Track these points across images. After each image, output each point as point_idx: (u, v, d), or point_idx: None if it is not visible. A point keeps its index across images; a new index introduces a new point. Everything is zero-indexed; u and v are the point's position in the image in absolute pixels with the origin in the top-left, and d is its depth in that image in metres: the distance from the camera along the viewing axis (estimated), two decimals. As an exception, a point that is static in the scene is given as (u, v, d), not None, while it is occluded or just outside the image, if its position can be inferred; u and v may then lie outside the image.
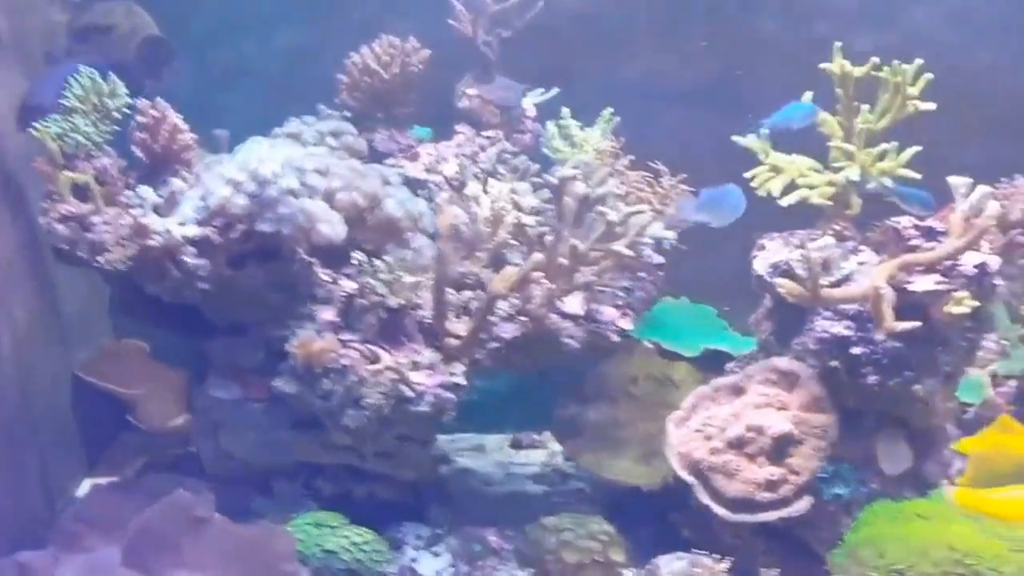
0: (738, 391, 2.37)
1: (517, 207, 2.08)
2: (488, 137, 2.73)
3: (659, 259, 2.56)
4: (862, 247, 2.26)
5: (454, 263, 2.06)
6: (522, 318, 2.10)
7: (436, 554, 2.35)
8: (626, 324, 2.34)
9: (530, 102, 2.92)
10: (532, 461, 3.01)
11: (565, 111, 2.63)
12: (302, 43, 3.21)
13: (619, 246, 2.04)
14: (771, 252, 2.29)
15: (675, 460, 2.31)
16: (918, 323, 1.97)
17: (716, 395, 2.40)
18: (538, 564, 2.27)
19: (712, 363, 2.67)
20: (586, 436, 2.61)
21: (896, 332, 1.97)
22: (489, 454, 3.35)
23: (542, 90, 2.93)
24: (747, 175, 2.29)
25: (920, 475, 2.24)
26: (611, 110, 2.61)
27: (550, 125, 2.59)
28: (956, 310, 2.06)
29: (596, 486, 2.70)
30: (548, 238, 2.12)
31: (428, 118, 2.91)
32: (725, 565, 1.97)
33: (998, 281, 2.22)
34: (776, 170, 2.27)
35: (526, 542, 2.30)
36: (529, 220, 2.05)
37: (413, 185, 2.56)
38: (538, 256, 2.00)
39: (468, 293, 2.23)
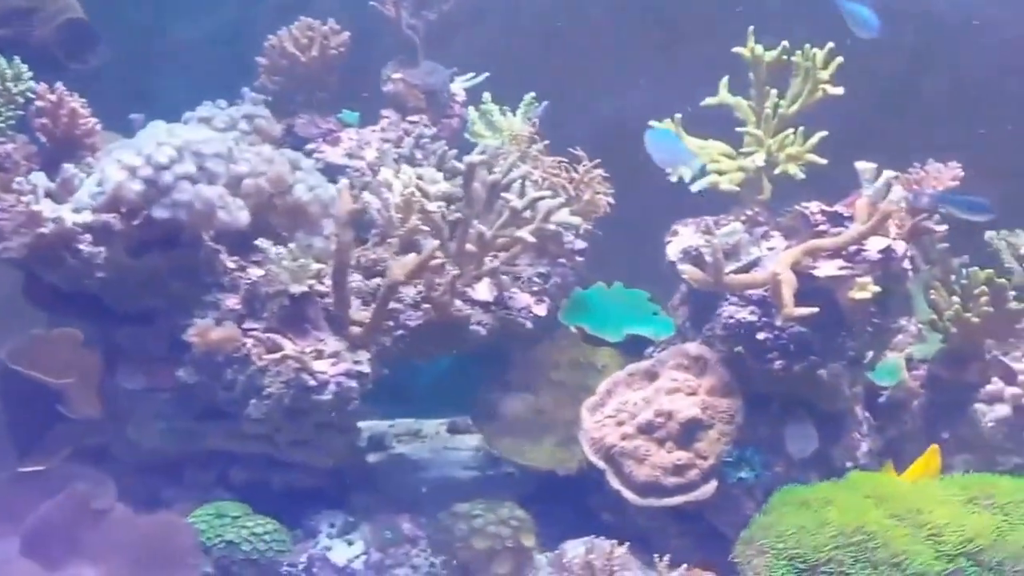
0: (652, 376, 2.39)
1: (423, 193, 2.08)
2: (413, 122, 2.72)
3: (580, 245, 2.58)
4: (773, 232, 2.28)
5: (353, 250, 2.05)
6: (426, 306, 2.10)
7: (350, 542, 2.35)
8: (540, 310, 2.35)
9: (460, 86, 2.91)
10: (466, 446, 3.02)
11: (486, 96, 2.62)
12: (232, 26, 3.19)
13: (524, 232, 2.04)
14: (683, 238, 2.30)
15: (587, 445, 2.33)
16: (816, 308, 1.99)
17: (631, 380, 2.42)
18: (449, 551, 2.28)
19: (637, 348, 2.68)
20: (507, 422, 2.63)
21: (795, 317, 1.98)
22: (426, 439, 3.37)
23: (472, 74, 2.93)
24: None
25: (827, 459, 2.26)
26: (533, 94, 2.61)
27: (471, 110, 2.59)
28: (859, 295, 2.08)
29: (526, 471, 2.72)
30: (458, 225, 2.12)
31: (358, 103, 2.91)
32: (622, 550, 1.99)
33: (908, 265, 2.25)
34: (688, 155, 2.28)
35: (438, 529, 2.32)
36: (432, 206, 2.04)
37: (334, 171, 2.56)
38: (435, 242, 2.00)
39: (380, 280, 2.23)
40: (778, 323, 2.04)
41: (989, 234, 2.67)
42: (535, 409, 2.66)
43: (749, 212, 2.30)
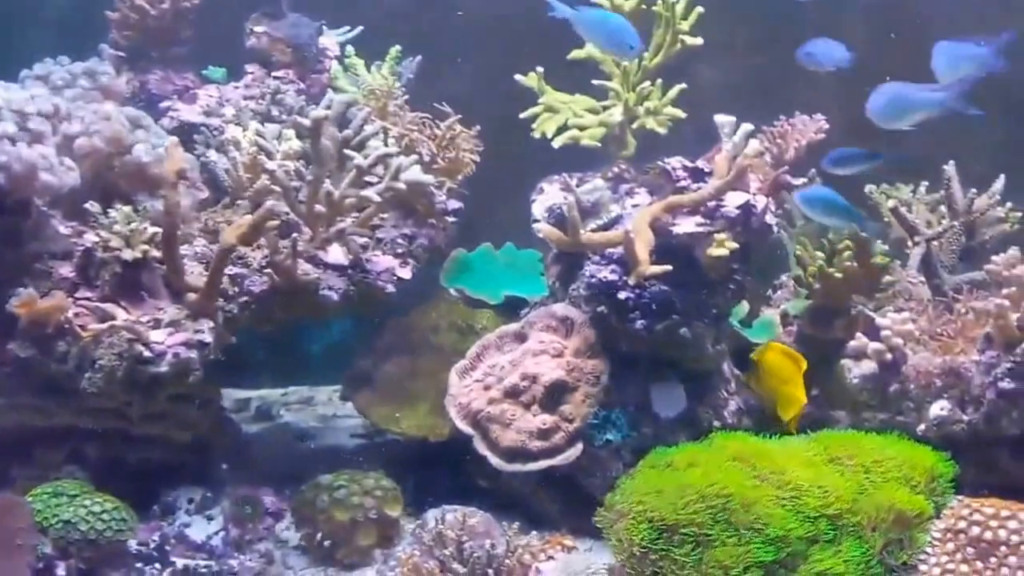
0: (521, 338, 2.36)
1: (264, 151, 2.00)
2: (278, 77, 2.63)
3: (454, 205, 2.53)
4: (639, 189, 2.25)
5: (183, 212, 1.97)
6: (268, 270, 2.03)
7: (210, 518, 2.30)
8: (405, 273, 2.30)
9: (332, 40, 2.82)
10: (357, 413, 2.97)
11: (350, 49, 2.55)
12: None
13: (370, 192, 1.98)
14: (548, 196, 2.26)
15: (455, 411, 2.30)
16: (670, 266, 1.97)
17: (501, 343, 2.38)
18: (312, 524, 2.24)
19: (519, 311, 2.65)
20: (380, 389, 2.59)
21: (648, 275, 1.96)
22: (316, 407, 3.33)
23: (347, 27, 2.84)
24: (523, 115, 2.25)
25: (695, 419, 2.26)
26: (399, 48, 2.53)
27: (334, 64, 2.51)
28: (717, 252, 2.06)
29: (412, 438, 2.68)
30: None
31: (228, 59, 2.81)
32: (475, 519, 1.97)
33: (771, 220, 2.24)
34: (552, 110, 2.24)
35: (301, 502, 2.27)
36: (273, 165, 1.97)
37: (190, 130, 2.47)
38: (270, 203, 1.93)
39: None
40: (631, 281, 2.01)
41: (869, 187, 2.68)
42: (411, 375, 2.63)
43: (615, 169, 2.27)
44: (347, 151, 1.98)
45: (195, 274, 2.05)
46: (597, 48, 2.16)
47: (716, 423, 2.27)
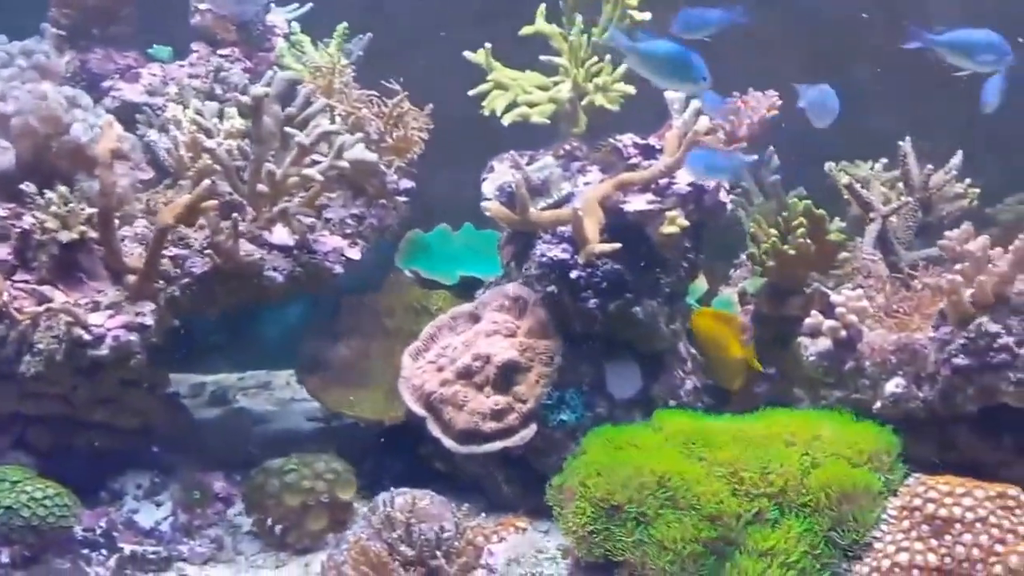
0: (475, 319, 2.34)
1: (203, 130, 1.96)
2: (224, 55, 2.59)
3: (406, 184, 2.50)
4: (591, 167, 2.23)
5: (123, 192, 1.93)
6: (209, 251, 2.00)
7: (159, 504, 2.28)
8: (354, 254, 2.27)
9: (280, 17, 2.78)
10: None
11: (296, 26, 2.50)
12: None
13: (313, 171, 1.95)
14: (499, 174, 2.23)
15: (408, 393, 2.28)
16: (619, 245, 1.95)
17: (454, 324, 2.36)
18: (262, 509, 2.21)
19: (475, 291, 2.63)
20: (334, 372, 2.56)
21: (597, 254, 1.94)
22: (273, 391, 3.30)
23: (296, 4, 2.79)
24: (472, 92, 2.23)
25: (650, 399, 2.25)
26: (345, 25, 2.49)
27: (280, 41, 2.47)
28: (668, 230, 2.05)
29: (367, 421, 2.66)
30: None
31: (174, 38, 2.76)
32: (427, 501, 1.95)
33: (724, 198, 2.23)
34: (501, 86, 2.21)
35: (252, 487, 2.25)
36: (211, 143, 1.94)
37: (132, 109, 2.42)
38: (206, 182, 1.89)
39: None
40: (581, 260, 1.99)
41: (828, 165, 2.67)
42: (366, 357, 2.61)
43: (567, 147, 2.25)
44: (289, 129, 1.94)
45: (135, 256, 2.02)
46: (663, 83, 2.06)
47: (672, 403, 2.25)
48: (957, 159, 2.43)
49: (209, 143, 1.93)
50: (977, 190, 2.54)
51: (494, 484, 2.28)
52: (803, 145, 2.53)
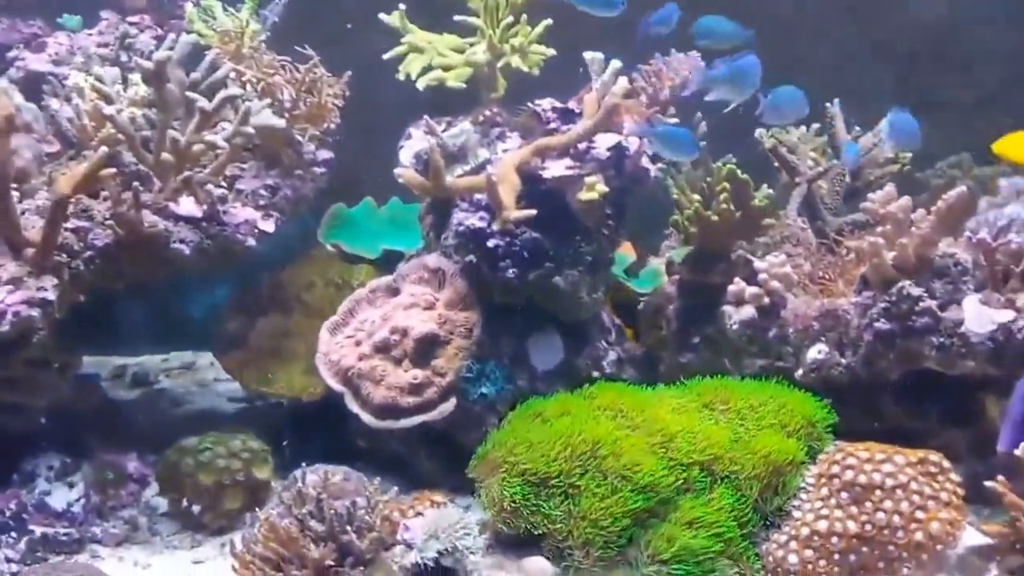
0: (394, 292, 2.30)
1: (104, 98, 1.90)
2: (133, 23, 2.51)
3: (325, 155, 2.45)
4: (511, 132, 2.19)
5: (26, 164, 1.87)
6: (110, 223, 1.94)
7: (71, 485, 2.22)
8: (267, 226, 2.22)
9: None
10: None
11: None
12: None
13: (217, 138, 1.89)
14: (416, 141, 2.19)
15: (324, 369, 2.24)
16: (533, 211, 1.92)
17: (373, 297, 2.32)
18: (177, 489, 2.17)
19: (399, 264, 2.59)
20: (252, 349, 2.51)
21: (512, 220, 1.91)
22: (196, 372, 3.24)
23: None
24: (387, 56, 2.18)
25: (572, 370, 2.23)
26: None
27: (189, 6, 2.40)
28: (587, 196, 2.02)
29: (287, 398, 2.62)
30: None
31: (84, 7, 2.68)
32: (339, 477, 1.92)
33: (648, 164, 2.20)
34: (416, 50, 2.16)
35: (166, 467, 2.20)
36: (110, 110, 1.87)
37: (37, 79, 2.35)
38: (103, 150, 1.83)
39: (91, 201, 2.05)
40: (495, 227, 1.96)
41: (759, 131, 2.65)
42: (285, 334, 2.56)
43: (487, 112, 2.21)
44: (190, 94, 1.88)
45: (36, 229, 1.95)
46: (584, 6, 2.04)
47: (595, 374, 2.24)
48: (885, 123, 2.42)
49: (109, 110, 1.86)
50: (909, 154, 2.54)
51: (416, 460, 2.26)
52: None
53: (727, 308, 2.22)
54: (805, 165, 2.31)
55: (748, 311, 2.18)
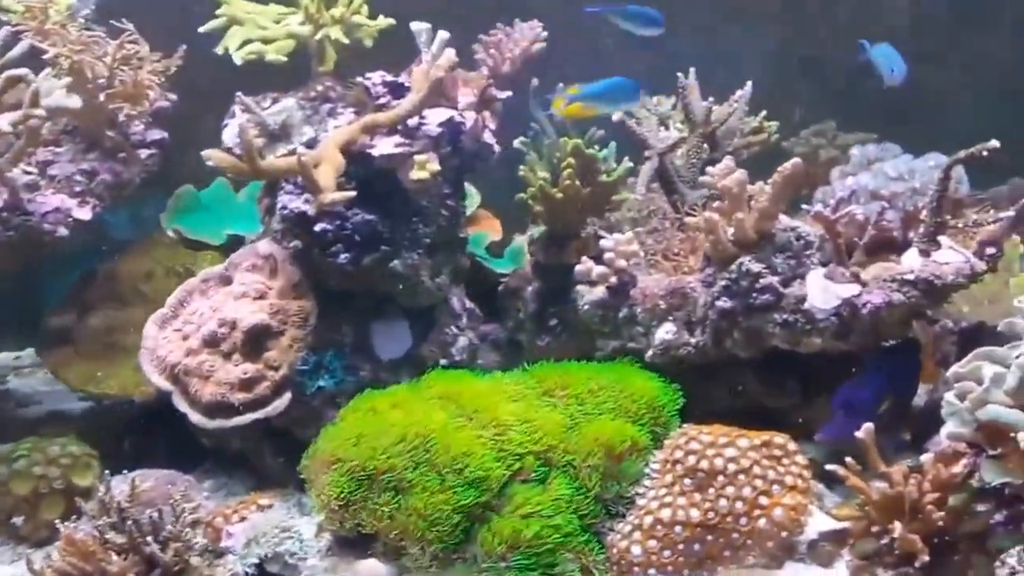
0: (227, 281, 2.21)
1: None
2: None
3: (156, 135, 2.34)
4: (343, 109, 2.10)
5: None
6: None
7: None
8: (83, 214, 2.10)
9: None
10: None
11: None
12: None
13: (3, 121, 1.78)
14: (239, 119, 2.09)
15: (150, 365, 2.14)
16: (352, 193, 1.84)
17: (205, 287, 2.22)
18: (-6, 499, 2.06)
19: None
20: (82, 345, 2.40)
21: (327, 203, 1.82)
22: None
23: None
24: (202, 29, 2.07)
25: (419, 358, 2.16)
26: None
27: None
28: (417, 175, 1.94)
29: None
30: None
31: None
32: (149, 483, 1.84)
33: (490, 139, 2.13)
34: (236, 22, 2.06)
35: (-22, 476, 2.09)
36: None
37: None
38: None
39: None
40: (312, 211, 1.88)
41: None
42: (120, 328, 2.45)
43: (319, 87, 2.11)
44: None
45: None
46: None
47: (443, 361, 2.18)
48: (745, 90, 2.38)
49: None
50: (774, 123, 2.50)
51: (260, 458, 2.17)
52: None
53: (580, 288, 2.17)
54: (655, 137, 2.25)
55: (599, 291, 2.13)
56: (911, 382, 2.02)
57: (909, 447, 1.93)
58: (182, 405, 2.09)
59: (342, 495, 1.79)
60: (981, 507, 1.62)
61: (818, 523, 1.79)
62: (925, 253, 1.88)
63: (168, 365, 2.11)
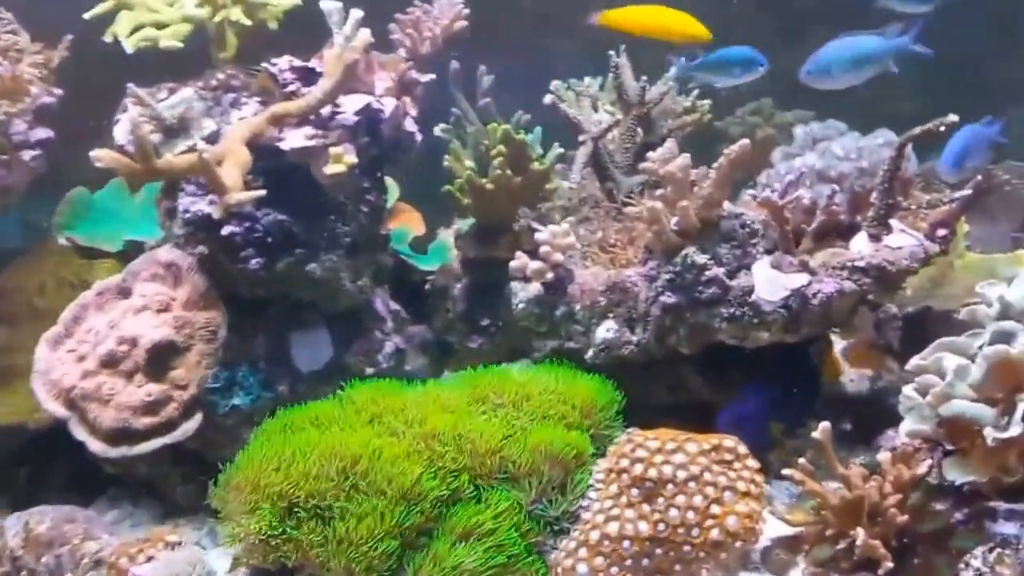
0: (125, 292, 2.04)
1: None
2: None
3: (42, 135, 2.15)
4: (247, 99, 1.95)
5: None
6: None
7: None
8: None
9: None
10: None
11: None
12: None
13: None
14: (132, 114, 1.92)
15: (43, 390, 1.96)
16: (262, 192, 1.70)
17: (102, 301, 2.05)
18: None
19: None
20: (-35, 368, 2.22)
21: (233, 204, 1.68)
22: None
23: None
24: (88, 16, 1.90)
25: (343, 367, 2.04)
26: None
27: None
28: (333, 169, 1.80)
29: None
30: None
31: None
32: (45, 525, 1.68)
33: (412, 127, 2.00)
34: (125, 6, 1.89)
35: None
36: None
37: None
38: None
39: None
40: (217, 214, 1.73)
41: (555, 83, 2.47)
42: (7, 349, 2.26)
43: (220, 75, 1.96)
44: None
45: None
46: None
47: (369, 370, 2.05)
48: (674, 70, 2.28)
49: None
50: (707, 102, 2.41)
51: (169, 485, 2.02)
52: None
53: (514, 285, 2.05)
54: (588, 120, 2.14)
55: (535, 288, 2.01)
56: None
57: (851, 438, 1.89)
58: (80, 433, 1.92)
59: (261, 526, 1.65)
60: (939, 505, 1.56)
61: (771, 529, 1.70)
62: (875, 238, 1.81)
63: (63, 389, 1.93)
